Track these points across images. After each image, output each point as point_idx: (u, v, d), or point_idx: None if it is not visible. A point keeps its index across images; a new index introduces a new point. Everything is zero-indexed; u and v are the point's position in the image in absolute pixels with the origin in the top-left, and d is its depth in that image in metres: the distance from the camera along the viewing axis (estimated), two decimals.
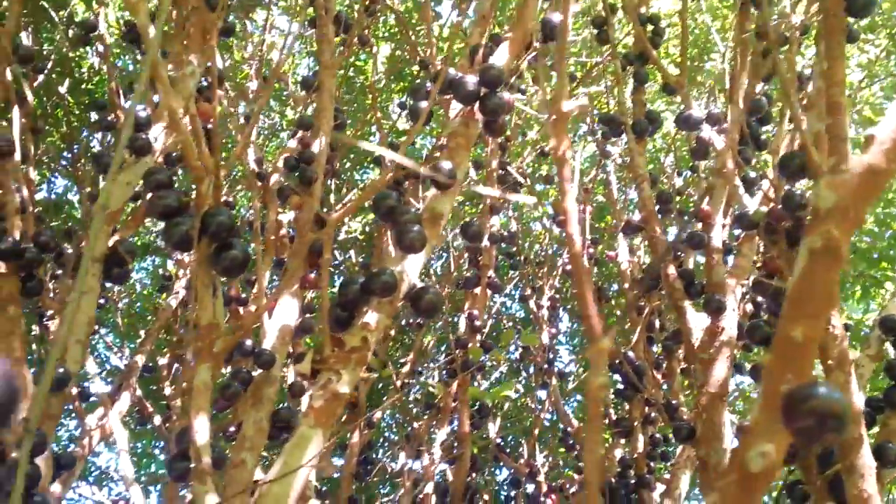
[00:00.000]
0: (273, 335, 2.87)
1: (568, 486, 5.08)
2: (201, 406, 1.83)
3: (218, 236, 1.83)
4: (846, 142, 1.99)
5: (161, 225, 5.14)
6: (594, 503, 0.78)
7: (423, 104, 2.33)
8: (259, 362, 2.72)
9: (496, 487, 6.46)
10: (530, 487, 4.90)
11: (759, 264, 3.09)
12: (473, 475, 4.14)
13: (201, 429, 1.79)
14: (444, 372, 4.56)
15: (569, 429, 4.98)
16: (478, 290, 4.52)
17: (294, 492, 1.74)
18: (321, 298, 1.97)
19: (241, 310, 3.73)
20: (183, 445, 2.19)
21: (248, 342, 2.98)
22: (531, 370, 5.89)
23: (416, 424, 4.64)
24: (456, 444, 4.14)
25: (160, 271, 6.45)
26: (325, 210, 3.20)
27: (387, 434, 7.07)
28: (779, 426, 0.79)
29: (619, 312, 5.79)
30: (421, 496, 3.99)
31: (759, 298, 2.91)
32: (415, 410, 5.39)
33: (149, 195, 1.88)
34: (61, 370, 2.38)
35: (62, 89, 5.21)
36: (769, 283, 2.35)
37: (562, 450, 6.19)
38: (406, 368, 4.99)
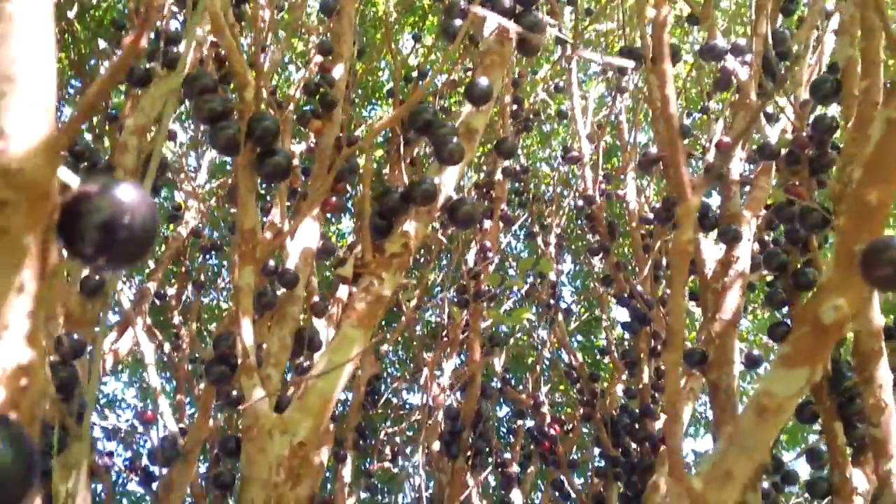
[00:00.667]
0: (295, 256, 2.92)
1: (568, 423, 5.20)
2: (246, 307, 1.89)
3: (263, 141, 1.87)
4: (879, 66, 2.03)
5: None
6: (677, 350, 0.84)
7: (458, 22, 2.34)
8: (283, 281, 2.77)
9: (496, 423, 6.59)
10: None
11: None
12: (482, 403, 4.23)
13: (247, 328, 1.85)
14: (456, 301, 4.63)
15: (573, 363, 5.07)
16: (489, 224, 4.57)
17: (338, 388, 1.80)
18: (361, 206, 2.01)
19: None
20: (221, 350, 2.26)
21: (272, 262, 3.03)
22: (536, 309, 5.98)
23: (425, 355, 4.72)
24: (466, 372, 4.23)
25: (168, 204, 6.47)
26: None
27: (390, 370, 7.17)
28: (851, 282, 0.85)
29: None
30: (430, 423, 4.08)
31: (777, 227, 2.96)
32: (423, 342, 5.46)
33: (193, 100, 1.90)
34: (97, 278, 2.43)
35: (70, 14, 5.17)
36: (791, 207, 2.40)
37: (562, 387, 6.31)
38: (413, 303, 5.05)
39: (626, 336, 5.53)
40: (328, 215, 4.13)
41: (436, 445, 3.98)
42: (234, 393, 2.57)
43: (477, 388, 4.20)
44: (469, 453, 4.06)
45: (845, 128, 2.23)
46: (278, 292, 2.80)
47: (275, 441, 1.73)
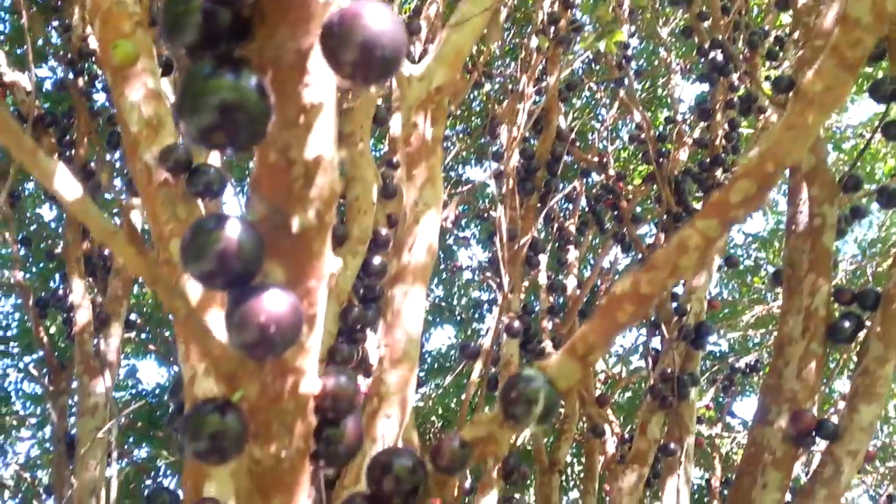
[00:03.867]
0: None
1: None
2: None
3: None
4: None
5: None
6: None
7: None
8: None
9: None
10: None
11: None
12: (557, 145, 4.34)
13: None
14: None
15: (640, 123, 5.12)
16: None
17: (470, 42, 1.91)
18: None
19: None
20: None
21: None
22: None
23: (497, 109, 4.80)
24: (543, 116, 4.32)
25: None
26: None
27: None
28: None
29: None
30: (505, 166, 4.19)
31: None
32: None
33: None
34: None
35: None
36: None
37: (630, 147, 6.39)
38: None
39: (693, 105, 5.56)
40: None
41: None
42: None
43: (552, 130, 4.31)
44: (542, 191, 4.23)
45: None
46: None
47: (413, 86, 1.86)
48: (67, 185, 0.87)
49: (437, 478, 1.21)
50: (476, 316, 7.42)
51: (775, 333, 3.54)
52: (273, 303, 0.84)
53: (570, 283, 5.26)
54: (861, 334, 2.62)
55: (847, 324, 2.65)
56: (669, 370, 3.75)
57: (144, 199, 1.64)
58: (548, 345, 4.30)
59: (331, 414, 1.05)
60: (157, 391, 7.10)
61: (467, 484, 3.82)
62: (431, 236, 1.82)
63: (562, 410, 5.84)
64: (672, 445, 3.77)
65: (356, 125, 2.89)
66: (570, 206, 5.61)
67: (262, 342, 0.84)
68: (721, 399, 6.85)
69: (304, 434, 1.01)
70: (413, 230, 1.82)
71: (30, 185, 6.49)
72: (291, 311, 0.86)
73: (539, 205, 4.18)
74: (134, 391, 7.21)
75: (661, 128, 5.98)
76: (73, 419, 4.24)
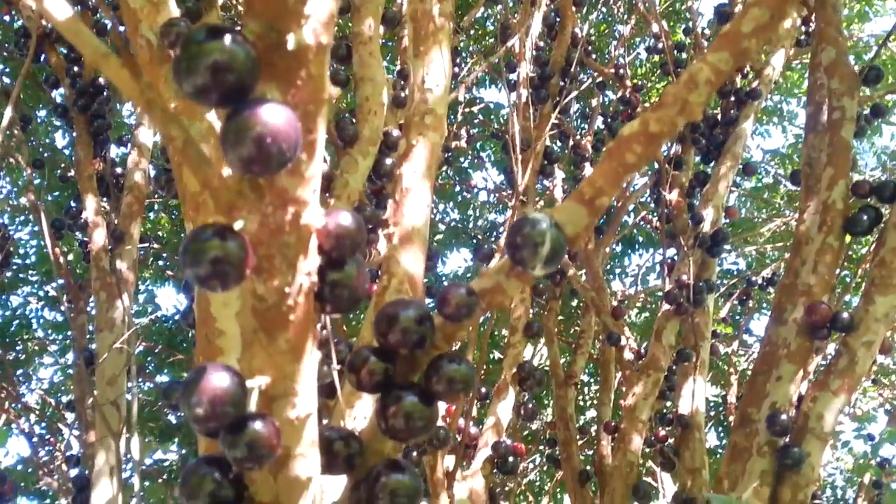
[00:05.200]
0: None
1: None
2: None
3: None
4: None
5: None
6: None
7: None
8: None
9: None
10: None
11: None
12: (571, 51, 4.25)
13: None
14: None
15: (657, 33, 5.00)
16: None
17: None
18: None
19: None
20: None
21: None
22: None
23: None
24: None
25: None
26: None
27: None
28: None
29: None
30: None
31: None
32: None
33: None
34: None
35: None
36: None
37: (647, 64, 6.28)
38: None
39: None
40: None
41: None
42: None
43: (567, 36, 4.22)
44: (557, 100, 4.16)
45: None
46: None
47: None
48: (57, 4, 0.84)
49: (444, 329, 1.20)
50: (492, 238, 7.41)
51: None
52: (270, 115, 0.82)
53: None
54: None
55: (865, 216, 2.61)
56: (685, 277, 3.73)
57: (147, 76, 1.62)
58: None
59: (335, 254, 1.04)
60: (176, 316, 7.16)
61: (482, 390, 3.85)
62: (440, 114, 1.79)
63: (578, 325, 5.86)
64: (688, 351, 3.77)
65: (364, 24, 2.84)
66: (587, 125, 5.54)
67: (260, 156, 0.83)
68: (738, 317, 6.85)
69: (308, 270, 1.00)
70: (421, 109, 1.79)
71: (41, 113, 6.48)
72: (289, 124, 0.84)
73: (554, 112, 4.10)
74: (153, 317, 7.28)
75: (679, 40, 5.85)
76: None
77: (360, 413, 1.66)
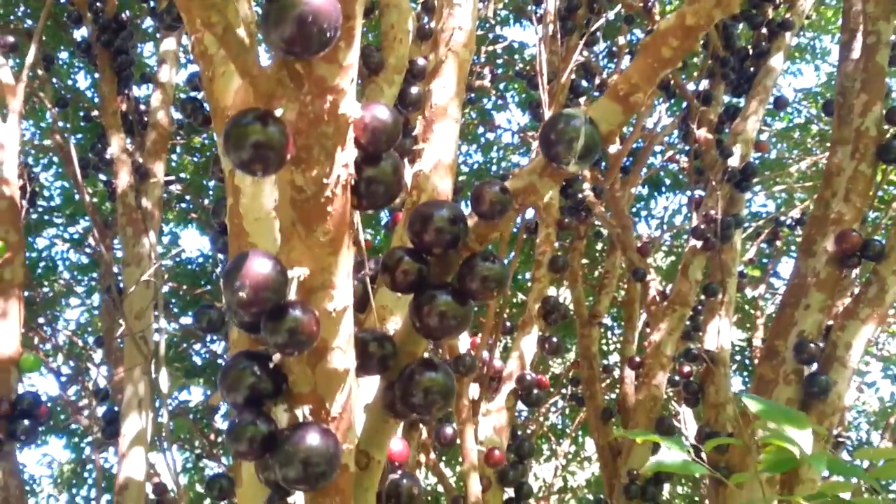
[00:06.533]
0: None
1: None
2: None
3: None
4: None
5: None
6: None
7: None
8: None
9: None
10: None
11: None
12: None
13: None
14: None
15: None
16: None
17: None
18: None
19: None
20: None
21: None
22: None
23: None
24: None
25: None
26: None
27: None
28: None
29: None
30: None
31: None
32: None
33: None
34: None
35: None
36: None
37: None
38: None
39: None
40: None
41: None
42: None
43: None
44: (584, 32, 4.09)
45: None
46: None
47: None
48: None
49: (477, 229, 1.20)
50: None
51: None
52: None
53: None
54: None
55: None
56: (713, 212, 3.70)
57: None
58: (589, 194, 4.26)
59: (371, 147, 1.04)
60: (200, 259, 7.20)
61: (507, 324, 3.87)
62: (467, 28, 1.76)
63: (602, 265, 5.83)
64: (714, 286, 3.75)
65: None
66: (613, 64, 5.45)
67: (302, 35, 0.82)
68: (765, 260, 6.80)
69: (345, 162, 0.99)
70: (449, 23, 1.76)
71: (63, 55, 6.46)
72: (330, 4, 0.83)
73: (580, 44, 4.03)
74: (177, 259, 7.32)
75: None
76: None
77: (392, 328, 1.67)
